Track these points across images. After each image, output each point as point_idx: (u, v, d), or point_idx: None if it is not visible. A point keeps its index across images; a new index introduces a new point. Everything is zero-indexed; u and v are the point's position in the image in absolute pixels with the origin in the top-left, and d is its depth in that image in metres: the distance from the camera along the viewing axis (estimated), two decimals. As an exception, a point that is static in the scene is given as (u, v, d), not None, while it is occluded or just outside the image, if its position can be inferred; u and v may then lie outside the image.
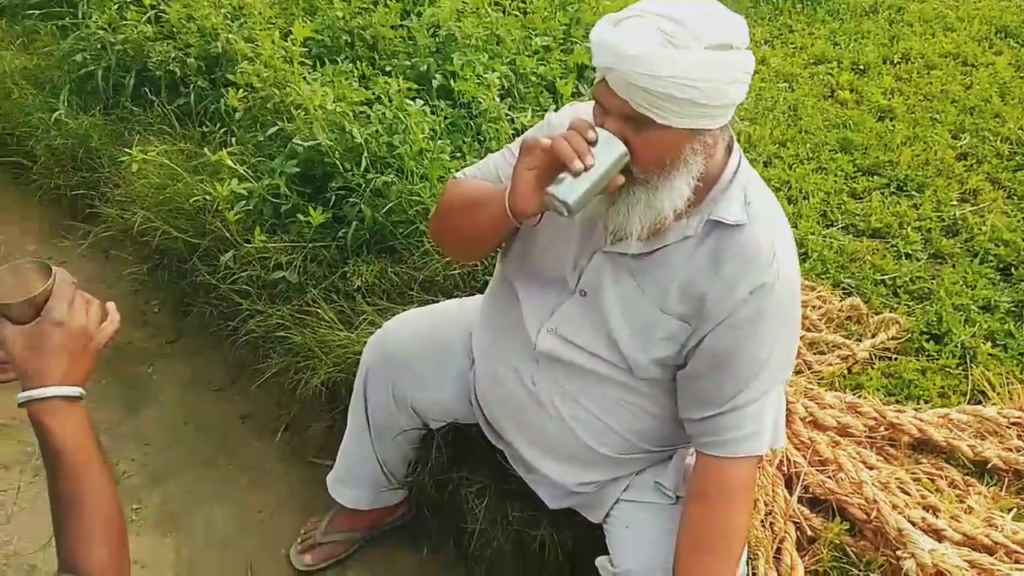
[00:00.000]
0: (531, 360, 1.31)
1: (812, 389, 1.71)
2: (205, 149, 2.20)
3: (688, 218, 1.14)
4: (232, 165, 2.02)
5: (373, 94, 2.14)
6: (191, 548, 1.83)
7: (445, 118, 2.15)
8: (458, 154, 2.08)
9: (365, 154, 1.94)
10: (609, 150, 1.08)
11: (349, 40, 2.65)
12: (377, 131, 2.00)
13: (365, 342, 1.75)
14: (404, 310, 1.84)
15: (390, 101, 2.07)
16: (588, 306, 1.24)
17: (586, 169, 1.05)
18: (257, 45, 2.43)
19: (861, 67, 3.28)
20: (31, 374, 1.02)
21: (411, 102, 2.03)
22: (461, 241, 1.39)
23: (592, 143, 1.06)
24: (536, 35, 2.52)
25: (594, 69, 1.09)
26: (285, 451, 2.02)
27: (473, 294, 1.86)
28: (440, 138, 1.98)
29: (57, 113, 2.69)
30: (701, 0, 1.06)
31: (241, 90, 2.31)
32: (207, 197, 2.08)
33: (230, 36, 2.53)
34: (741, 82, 1.05)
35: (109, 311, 1.12)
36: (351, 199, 2.01)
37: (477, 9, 2.56)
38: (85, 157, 2.60)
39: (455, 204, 1.34)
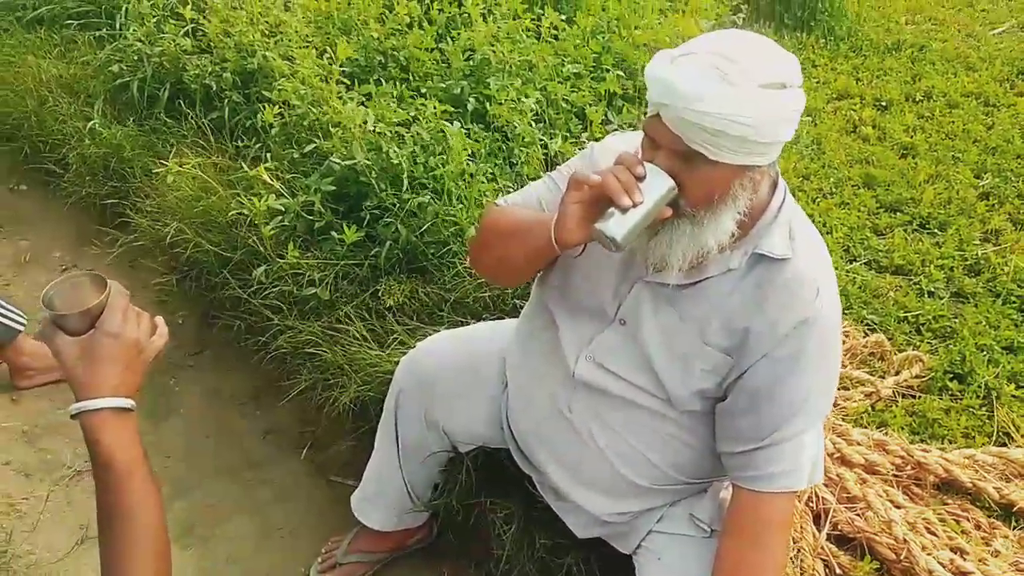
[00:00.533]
0: (568, 387, 1.31)
1: (839, 425, 1.72)
2: (242, 164, 2.23)
3: (731, 251, 1.16)
4: (268, 181, 2.05)
5: (410, 115, 2.17)
6: (212, 562, 1.83)
7: (478, 141, 2.17)
8: (491, 177, 2.11)
9: (406, 174, 1.96)
10: (657, 185, 1.09)
11: (383, 61, 2.69)
12: (414, 152, 2.02)
13: (395, 361, 1.77)
14: (435, 330, 1.86)
15: (427, 123, 2.10)
16: (627, 335, 1.25)
17: (635, 205, 1.07)
18: (294, 63, 2.47)
19: (883, 104, 3.31)
20: (84, 385, 1.03)
21: (448, 124, 2.06)
22: (501, 268, 1.40)
23: (640, 178, 1.08)
24: (568, 62, 2.55)
25: (634, 101, 1.11)
26: (307, 468, 2.02)
27: (502, 317, 1.88)
28: (482, 160, 2.01)
29: (92, 123, 2.73)
30: (755, 37, 1.08)
31: (277, 107, 2.35)
32: (242, 212, 2.10)
33: (267, 53, 2.57)
34: (792, 120, 1.07)
35: (158, 324, 1.14)
36: (385, 218, 2.03)
37: (510, 34, 2.60)
38: (117, 167, 2.64)
39: (497, 231, 1.35)
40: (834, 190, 2.70)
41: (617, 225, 1.09)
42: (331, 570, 1.78)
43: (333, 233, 2.03)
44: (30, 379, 2.21)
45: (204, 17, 2.84)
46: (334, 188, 2.07)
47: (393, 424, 1.62)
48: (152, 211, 2.39)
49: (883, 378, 1.95)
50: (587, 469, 1.35)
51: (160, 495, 1.06)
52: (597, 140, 1.41)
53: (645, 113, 1.23)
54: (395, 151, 2.04)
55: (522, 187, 1.44)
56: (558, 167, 1.41)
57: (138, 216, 2.40)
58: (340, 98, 2.33)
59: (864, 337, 2.06)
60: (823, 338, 1.16)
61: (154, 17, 2.96)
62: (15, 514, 1.84)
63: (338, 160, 2.07)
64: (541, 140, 2.19)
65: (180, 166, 2.29)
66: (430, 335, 1.83)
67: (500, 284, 1.70)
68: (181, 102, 2.72)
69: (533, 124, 2.26)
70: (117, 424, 1.04)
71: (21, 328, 2.15)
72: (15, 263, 2.62)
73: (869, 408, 1.88)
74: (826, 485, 1.57)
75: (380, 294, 1.94)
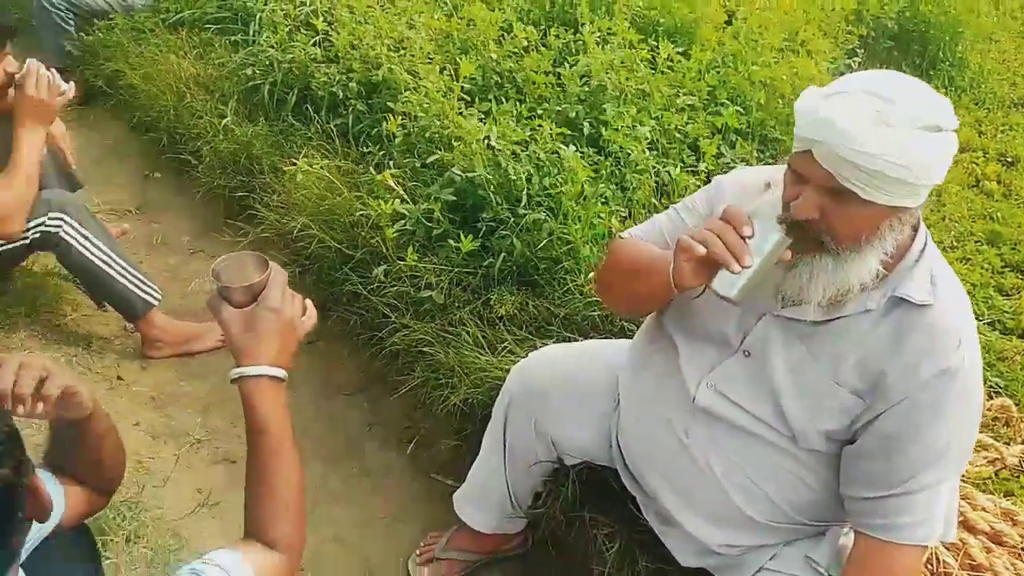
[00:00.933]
0: (687, 413, 1.32)
1: (963, 487, 1.67)
2: (370, 168, 2.35)
3: (871, 291, 1.17)
4: (393, 186, 2.16)
5: (527, 135, 2.25)
6: (314, 541, 1.91)
7: (593, 164, 2.24)
8: (603, 200, 2.17)
9: (525, 190, 2.04)
10: (767, 241, 1.11)
11: (499, 81, 2.80)
12: (529, 171, 2.10)
13: (505, 368, 1.83)
14: (543, 343, 1.92)
15: (544, 143, 2.18)
16: (752, 368, 1.25)
17: (744, 267, 1.10)
18: (418, 77, 2.59)
19: (1009, 159, 3.23)
20: (245, 353, 1.13)
21: (564, 146, 2.14)
22: (625, 301, 1.45)
23: (748, 237, 1.10)
24: (683, 93, 2.61)
25: (747, 137, 1.13)
26: (408, 463, 2.10)
27: (610, 337, 1.92)
28: (601, 183, 2.08)
29: (225, 120, 2.91)
30: (907, 78, 1.11)
31: (400, 117, 2.47)
32: (366, 213, 2.22)
33: (392, 66, 2.71)
34: (946, 164, 1.08)
35: (308, 307, 1.23)
36: (500, 231, 2.12)
37: (625, 63, 2.67)
38: (246, 162, 2.80)
39: (621, 265, 1.40)
40: (955, 244, 2.65)
41: (730, 284, 1.12)
42: (428, 563, 1.85)
43: (450, 241, 2.12)
44: (159, 350, 2.37)
45: (333, 29, 3.01)
46: (454, 198, 2.16)
47: (502, 430, 1.67)
48: (278, 206, 2.54)
49: (1008, 444, 1.89)
50: (700, 497, 1.34)
51: (301, 462, 1.15)
52: (714, 172, 1.44)
53: (761, 149, 1.27)
54: (514, 167, 2.12)
55: (634, 213, 1.48)
56: (683, 199, 1.45)
57: (265, 210, 2.55)
58: (460, 114, 2.44)
59: (989, 400, 2.01)
60: (965, 389, 1.14)
61: (286, 27, 3.15)
62: (143, 471, 1.97)
63: (459, 172, 2.17)
64: (655, 168, 2.24)
65: (309, 166, 2.43)
66: (539, 347, 1.89)
67: (623, 314, 1.74)
68: (308, 107, 2.87)
69: (647, 152, 2.31)
70: (272, 391, 1.13)
71: (156, 302, 2.32)
72: (148, 244, 2.82)
73: (993, 475, 1.83)
74: (947, 548, 1.52)
75: (492, 303, 2.01)
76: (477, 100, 2.49)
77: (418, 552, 1.87)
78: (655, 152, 2.41)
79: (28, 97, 2.04)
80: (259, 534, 1.09)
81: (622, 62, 2.68)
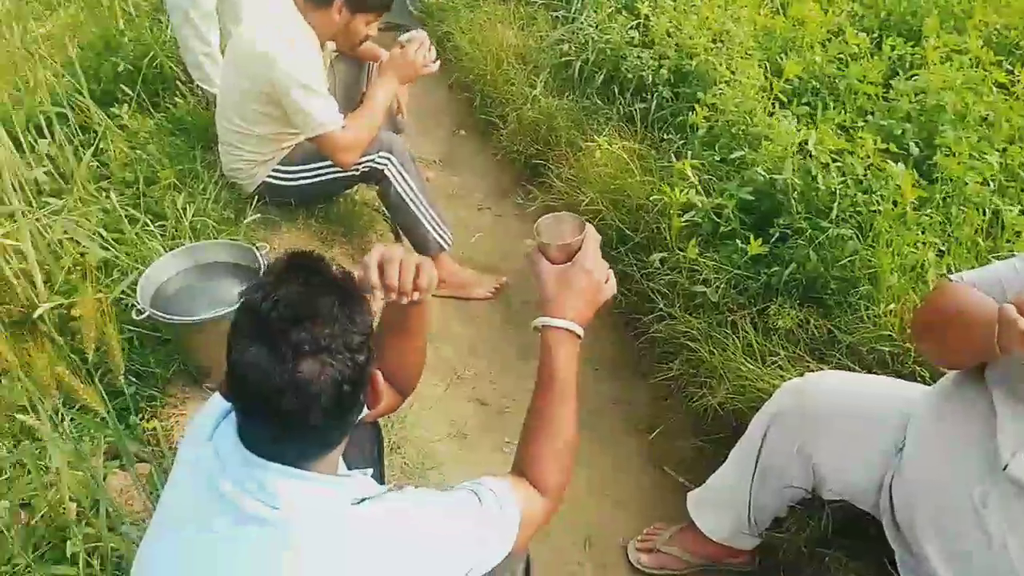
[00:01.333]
0: (990, 479, 1.19)
1: None
2: (667, 155, 2.35)
3: None
4: (690, 176, 2.14)
5: (846, 146, 2.10)
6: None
7: (914, 185, 2.03)
8: (922, 230, 1.96)
9: (836, 203, 1.91)
10: None
11: (816, 87, 2.63)
12: (844, 183, 1.96)
13: (772, 382, 1.75)
14: (819, 366, 1.80)
15: (864, 158, 2.02)
16: None
17: None
18: (734, 71, 2.52)
19: None
20: (556, 305, 1.20)
21: (892, 164, 1.96)
22: (943, 349, 1.32)
23: None
24: (1041, 128, 2.26)
25: None
26: (645, 450, 2.09)
27: (895, 376, 1.75)
28: (927, 211, 1.88)
29: (535, 91, 3.07)
30: None
31: (706, 109, 2.43)
32: (656, 199, 2.22)
33: (709, 57, 2.66)
34: None
35: (610, 275, 1.27)
36: (793, 240, 2.01)
37: (972, 84, 2.37)
38: (546, 133, 2.94)
39: (946, 311, 1.28)
40: None
41: None
42: (648, 553, 1.83)
43: (737, 241, 2.05)
44: (440, 289, 2.58)
45: (654, 14, 3.03)
46: (751, 198, 2.08)
47: (758, 443, 1.60)
48: (569, 178, 2.63)
49: None
50: (980, 573, 1.21)
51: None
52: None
53: None
54: (824, 177, 1.99)
55: (952, 250, 1.33)
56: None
57: (557, 180, 2.66)
58: (771, 114, 2.34)
59: None
60: None
61: (609, 8, 3.23)
62: (413, 393, 2.16)
63: (763, 172, 2.08)
64: (994, 205, 1.97)
65: (608, 144, 2.48)
66: (813, 369, 1.78)
67: (937, 362, 1.56)
68: (615, 87, 2.93)
69: (983, 185, 2.04)
70: (570, 344, 1.19)
71: (447, 246, 2.53)
72: (445, 194, 3.07)
73: None
74: None
75: (770, 312, 1.92)
76: (794, 102, 2.37)
77: (639, 538, 1.86)
78: (990, 188, 2.13)
79: (406, 57, 2.33)
80: (529, 473, 1.15)
81: (968, 83, 2.39)
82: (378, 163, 2.41)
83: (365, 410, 0.99)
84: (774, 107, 2.36)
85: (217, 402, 1.00)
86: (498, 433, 2.13)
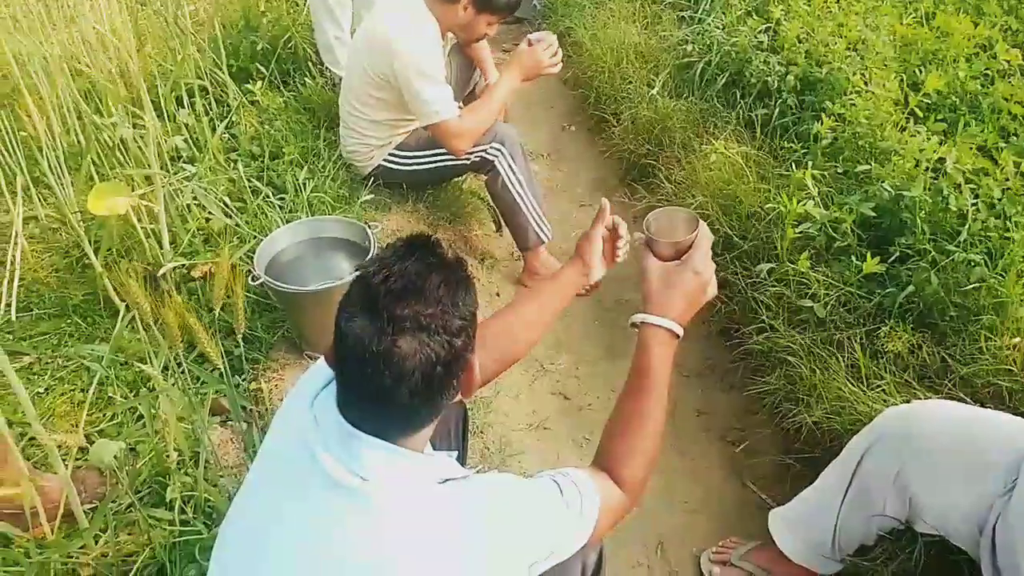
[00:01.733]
0: None
1: None
2: (785, 164, 2.26)
3: None
4: (810, 187, 2.05)
5: (987, 166, 1.96)
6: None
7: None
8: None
9: (968, 227, 1.79)
10: None
11: (956, 103, 2.47)
12: (977, 207, 1.83)
13: (874, 406, 1.66)
14: (927, 395, 1.69)
15: (1003, 181, 1.88)
16: None
17: None
18: (867, 82, 2.39)
19: None
20: (657, 303, 1.19)
21: (1035, 190, 1.81)
22: None
23: None
24: None
25: None
26: (727, 463, 2.03)
27: (1012, 413, 1.62)
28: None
29: (654, 90, 3.02)
30: None
31: (832, 119, 2.32)
32: (770, 207, 2.14)
33: (841, 66, 2.54)
34: None
35: (712, 278, 1.23)
36: (913, 261, 1.89)
37: None
38: (660, 133, 2.89)
39: None
40: None
41: None
42: (722, 565, 1.79)
43: (852, 258, 1.95)
44: (534, 281, 2.61)
45: (787, 19, 2.91)
46: (873, 215, 1.97)
47: (854, 467, 1.52)
48: (679, 180, 2.58)
49: None
50: None
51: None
52: None
53: None
54: (957, 198, 1.86)
55: None
56: None
57: (667, 182, 2.61)
58: (902, 129, 2.21)
59: None
60: None
61: (739, 11, 3.14)
62: (500, 381, 2.19)
63: (888, 188, 1.97)
64: None
65: (724, 148, 2.42)
66: (921, 398, 1.68)
67: None
68: (736, 92, 2.85)
69: None
70: (668, 344, 1.17)
71: (546, 240, 2.53)
72: (548, 188, 3.08)
73: None
74: None
75: (880, 335, 1.82)
76: (930, 118, 2.22)
77: (714, 550, 1.81)
78: None
79: (532, 56, 2.36)
80: (611, 468, 1.14)
81: None
82: (490, 153, 2.45)
83: (458, 395, 0.99)
84: (908, 122, 2.23)
85: (322, 369, 1.03)
86: (578, 428, 2.12)
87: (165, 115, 2.73)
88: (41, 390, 1.90)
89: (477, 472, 1.01)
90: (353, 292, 0.91)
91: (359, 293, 0.90)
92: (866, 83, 2.37)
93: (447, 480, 0.95)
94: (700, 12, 3.36)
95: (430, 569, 0.89)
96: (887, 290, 1.89)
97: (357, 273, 0.92)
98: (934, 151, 1.97)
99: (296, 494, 0.94)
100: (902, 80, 2.43)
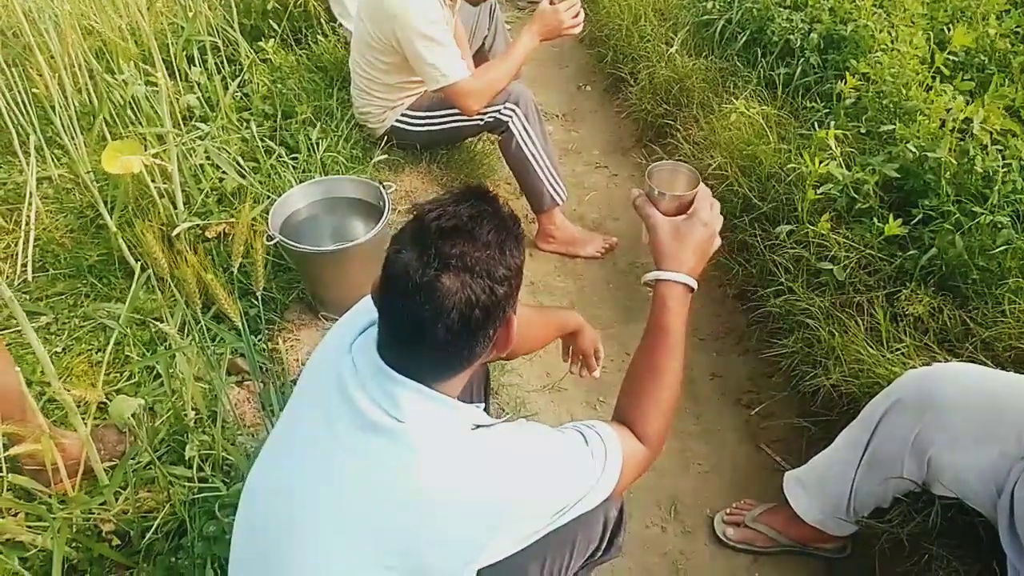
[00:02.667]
0: None
1: None
2: (807, 124, 2.21)
3: None
4: (833, 148, 2.01)
5: (1016, 127, 1.91)
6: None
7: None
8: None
9: (997, 188, 1.75)
10: None
11: (984, 62, 2.40)
12: (1010, 168, 1.78)
13: (893, 369, 1.65)
14: (947, 358, 1.67)
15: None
16: None
17: None
18: (893, 39, 2.33)
19: None
20: (670, 258, 1.18)
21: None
22: None
23: None
24: None
25: None
26: (741, 426, 2.02)
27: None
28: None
29: (672, 49, 2.96)
30: None
31: (858, 77, 2.26)
32: (791, 168, 2.10)
33: (868, 23, 2.47)
34: None
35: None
36: (936, 223, 1.86)
37: None
38: (678, 93, 2.83)
39: None
40: None
41: None
42: (735, 526, 1.80)
43: (874, 220, 1.92)
44: (548, 244, 2.59)
45: (808, -26, 2.83)
46: (897, 176, 1.93)
47: (871, 429, 1.52)
48: (697, 141, 2.54)
49: None
50: None
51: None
52: None
53: None
54: (984, 159, 1.82)
55: None
56: None
57: (685, 142, 2.57)
58: (928, 88, 2.15)
59: None
60: None
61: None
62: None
63: (913, 149, 1.92)
64: None
65: (745, 108, 2.37)
66: (941, 361, 1.66)
67: None
68: (757, 50, 2.78)
69: None
70: (684, 297, 1.17)
71: (560, 202, 2.51)
72: (563, 149, 3.04)
73: None
74: None
75: (901, 298, 1.79)
76: (958, 77, 2.16)
77: (728, 511, 1.82)
78: None
79: (555, 16, 2.32)
80: (632, 423, 1.15)
81: None
82: (504, 114, 2.41)
83: (494, 351, 0.99)
84: (934, 80, 2.17)
85: (362, 313, 1.05)
86: (593, 391, 2.12)
87: (177, 73, 2.70)
88: (59, 350, 1.92)
89: (507, 421, 1.02)
90: (406, 228, 0.93)
91: (411, 229, 0.92)
92: (892, 40, 2.31)
93: (478, 427, 0.96)
94: (721, -33, 3.25)
95: (464, 511, 0.92)
96: (909, 252, 1.86)
97: (415, 211, 0.94)
98: (961, 111, 1.91)
99: (329, 433, 0.95)
100: (929, 37, 2.36)
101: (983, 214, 1.75)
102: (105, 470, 1.46)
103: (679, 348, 1.16)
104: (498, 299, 0.91)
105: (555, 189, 2.50)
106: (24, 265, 2.15)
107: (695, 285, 1.17)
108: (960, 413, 1.38)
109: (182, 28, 2.91)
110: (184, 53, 2.76)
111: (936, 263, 1.82)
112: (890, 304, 1.82)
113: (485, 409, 1.47)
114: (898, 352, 1.72)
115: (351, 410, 0.93)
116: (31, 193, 2.23)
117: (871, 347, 1.73)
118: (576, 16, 2.37)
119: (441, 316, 0.88)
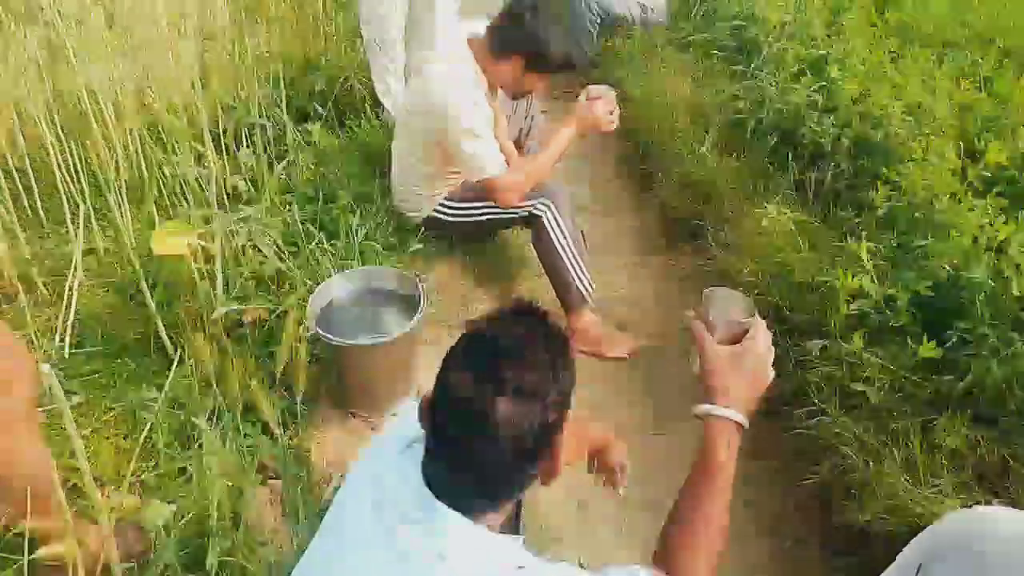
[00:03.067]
0: None
1: None
2: (837, 232, 2.21)
3: None
4: (865, 261, 2.01)
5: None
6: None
7: None
8: None
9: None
10: None
11: (1016, 176, 2.40)
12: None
13: (933, 510, 1.59)
14: (986, 498, 1.62)
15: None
16: None
17: None
18: (925, 149, 2.34)
19: None
20: (723, 392, 1.12)
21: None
22: None
23: None
24: None
25: None
26: (778, 557, 1.94)
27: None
28: None
29: (703, 147, 3.00)
30: None
31: (887, 186, 2.27)
32: (822, 279, 2.10)
33: (898, 130, 2.49)
34: None
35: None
36: (971, 348, 1.83)
37: None
38: (709, 192, 2.85)
39: None
40: None
41: None
42: None
43: (908, 340, 1.90)
44: (576, 344, 2.58)
45: (842, 78, 2.87)
46: (931, 294, 1.92)
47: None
48: (729, 245, 2.54)
49: None
50: None
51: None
52: None
53: None
54: (1020, 281, 1.81)
55: None
56: None
57: (715, 244, 2.57)
58: (959, 200, 2.15)
59: None
60: None
61: (795, 67, 3.10)
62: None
63: (947, 267, 1.92)
64: None
65: (777, 213, 2.38)
66: (981, 502, 1.61)
67: None
68: (788, 153, 2.81)
69: None
70: (735, 437, 1.12)
71: (589, 299, 2.52)
72: (590, 244, 3.00)
73: None
74: None
75: (936, 427, 1.76)
76: (991, 192, 2.17)
77: None
78: None
79: (592, 114, 2.40)
80: (672, 567, 1.11)
81: None
82: (538, 209, 2.46)
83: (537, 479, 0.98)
84: (967, 194, 2.17)
85: (406, 426, 1.03)
86: (618, 507, 2.01)
87: (224, 152, 2.78)
88: (87, 431, 1.92)
89: (548, 561, 0.99)
90: (458, 347, 0.94)
91: (468, 346, 0.93)
92: (924, 150, 2.32)
93: (521, 568, 0.93)
94: (753, 68, 3.33)
95: None
96: (945, 377, 1.83)
97: (471, 329, 0.95)
98: (997, 231, 1.91)
99: (366, 563, 0.93)
100: (959, 148, 2.37)
101: (1019, 342, 1.73)
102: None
103: (727, 491, 1.12)
104: (549, 426, 0.91)
105: (583, 285, 2.52)
106: (62, 340, 2.19)
107: (747, 424, 1.13)
108: (1002, 571, 1.32)
109: (234, 108, 3.01)
110: (234, 133, 2.84)
111: (972, 391, 1.79)
112: (925, 434, 1.78)
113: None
114: (936, 488, 1.67)
115: (388, 539, 0.92)
116: (76, 265, 2.28)
117: (907, 481, 1.69)
118: (612, 112, 2.44)
119: (495, 445, 0.88)
